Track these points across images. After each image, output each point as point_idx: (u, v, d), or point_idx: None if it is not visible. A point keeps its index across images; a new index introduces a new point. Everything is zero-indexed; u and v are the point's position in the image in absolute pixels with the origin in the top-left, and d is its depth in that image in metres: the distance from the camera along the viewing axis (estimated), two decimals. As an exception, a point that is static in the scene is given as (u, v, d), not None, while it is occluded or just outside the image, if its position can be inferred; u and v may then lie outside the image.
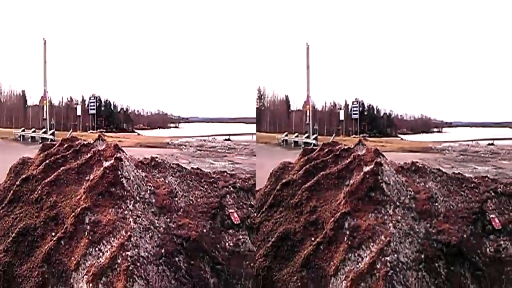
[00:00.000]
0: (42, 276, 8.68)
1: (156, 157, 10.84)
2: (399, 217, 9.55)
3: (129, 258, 8.63)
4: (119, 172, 9.74)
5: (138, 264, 8.69)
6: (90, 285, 8.35)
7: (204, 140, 15.62)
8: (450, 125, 15.85)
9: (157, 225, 9.45)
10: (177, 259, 9.13)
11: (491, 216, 9.83)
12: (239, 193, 10.70)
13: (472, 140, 15.44)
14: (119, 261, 8.56)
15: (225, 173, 11.13)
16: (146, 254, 8.93)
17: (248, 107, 14.90)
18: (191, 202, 10.14)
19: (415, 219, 9.66)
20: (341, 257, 9.09)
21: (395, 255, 9.00)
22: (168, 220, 9.63)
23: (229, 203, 10.39)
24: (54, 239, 8.99)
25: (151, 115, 19.22)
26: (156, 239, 9.22)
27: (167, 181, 10.35)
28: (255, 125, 15.11)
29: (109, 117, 19.15)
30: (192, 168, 10.97)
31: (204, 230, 9.67)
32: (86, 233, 8.92)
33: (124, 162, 9.96)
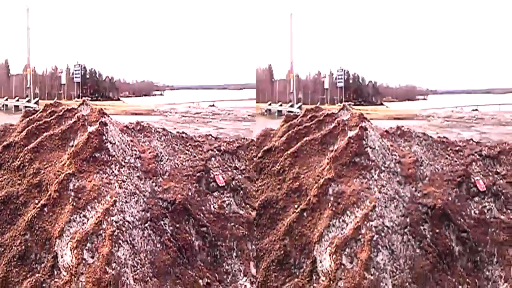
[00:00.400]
0: (25, 244, 8.62)
1: (142, 122, 10.76)
2: (384, 182, 9.57)
3: (114, 223, 8.59)
4: (104, 137, 9.65)
5: (124, 229, 8.67)
6: (75, 251, 8.30)
7: (189, 107, 15.51)
8: (435, 92, 15.83)
9: (143, 189, 9.41)
10: (162, 222, 9.12)
11: (475, 178, 9.89)
12: (224, 155, 10.65)
13: (456, 107, 15.50)
14: (104, 226, 8.51)
15: (210, 137, 11.09)
16: (132, 218, 8.90)
17: (232, 74, 14.84)
18: (176, 165, 10.10)
19: (400, 183, 9.70)
20: (325, 223, 9.06)
21: (380, 220, 9.03)
22: (154, 184, 9.59)
23: (214, 166, 10.35)
24: (38, 206, 8.91)
25: (137, 83, 19.02)
26: (141, 203, 9.19)
27: (152, 145, 10.29)
28: (240, 91, 15.06)
29: (94, 85, 18.94)
30: (178, 132, 10.92)
31: (189, 193, 9.64)
32: (70, 199, 8.85)
33: (109, 127, 9.86)
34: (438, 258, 8.93)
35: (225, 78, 15.35)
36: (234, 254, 9.37)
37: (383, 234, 8.91)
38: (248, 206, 9.95)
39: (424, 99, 16.51)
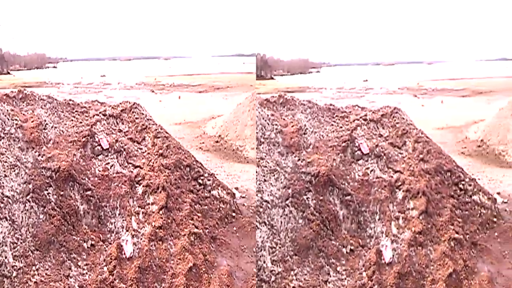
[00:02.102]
0: None
1: (24, 89, 10.30)
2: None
3: (-10, 200, 8.22)
4: (-20, 108, 9.19)
5: (2, 205, 8.30)
6: None
7: (81, 77, 15.13)
8: (328, 65, 16.19)
9: (24, 160, 9.02)
10: (46, 192, 8.80)
11: (359, 142, 10.18)
12: (109, 119, 10.43)
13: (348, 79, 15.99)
14: (-22, 204, 8.13)
15: (96, 102, 10.81)
16: (12, 193, 8.53)
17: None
18: (61, 133, 9.77)
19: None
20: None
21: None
22: (37, 153, 9.22)
23: (99, 130, 10.13)
24: None
25: (28, 55, 18.28)
26: (23, 175, 8.81)
27: (36, 114, 9.88)
28: (133, 61, 14.96)
29: (-20, 58, 18.00)
30: (64, 99, 10.57)
31: (74, 159, 9.37)
32: None
33: (-16, 97, 9.39)
34: (321, 225, 9.12)
35: (115, 50, 15.23)
36: (117, 212, 9.23)
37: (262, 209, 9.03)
38: (130, 165, 9.83)
39: (318, 72, 16.86)
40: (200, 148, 13.11)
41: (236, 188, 10.92)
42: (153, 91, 15.27)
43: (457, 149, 13.08)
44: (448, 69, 17.39)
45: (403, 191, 9.54)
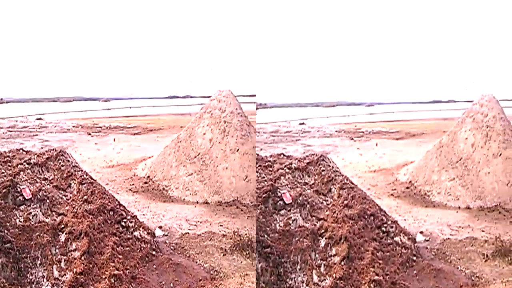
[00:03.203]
0: None
1: None
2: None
3: None
4: None
5: None
6: None
7: (16, 121, 15.01)
8: (264, 106, 16.37)
9: None
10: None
11: (282, 192, 10.28)
12: (33, 168, 10.37)
13: (284, 121, 16.24)
14: None
15: (21, 150, 10.74)
16: None
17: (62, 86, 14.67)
18: (-22, 183, 9.73)
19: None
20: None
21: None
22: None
23: (22, 179, 10.06)
24: None
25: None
26: None
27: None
28: (73, 102, 14.94)
29: None
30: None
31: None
32: None
33: None
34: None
35: (55, 90, 15.20)
36: (39, 262, 9.16)
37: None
38: (54, 213, 9.78)
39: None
40: (130, 189, 13.23)
41: (160, 227, 11.11)
42: (89, 134, 15.29)
43: (387, 191, 13.42)
44: (385, 111, 17.90)
45: (326, 238, 9.70)
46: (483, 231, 11.22)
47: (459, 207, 12.53)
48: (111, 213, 10.17)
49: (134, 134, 16.23)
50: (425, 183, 13.42)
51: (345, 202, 10.27)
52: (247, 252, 10.34)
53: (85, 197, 10.05)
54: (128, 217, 10.37)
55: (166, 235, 10.94)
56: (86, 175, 10.54)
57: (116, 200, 10.58)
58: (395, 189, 13.52)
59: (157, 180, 13.48)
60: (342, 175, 10.83)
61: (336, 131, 16.10)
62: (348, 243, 9.56)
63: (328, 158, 11.11)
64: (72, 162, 10.67)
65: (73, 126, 14.72)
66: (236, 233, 10.98)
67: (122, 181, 13.45)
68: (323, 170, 10.82)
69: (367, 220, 10.22)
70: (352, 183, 10.77)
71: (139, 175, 13.85)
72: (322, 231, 9.83)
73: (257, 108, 14.44)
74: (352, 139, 16.21)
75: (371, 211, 10.37)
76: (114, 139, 15.51)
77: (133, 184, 13.44)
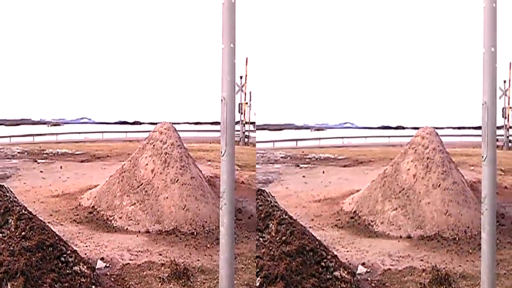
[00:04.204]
0: None
1: None
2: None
3: None
4: None
5: None
6: None
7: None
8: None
9: None
10: None
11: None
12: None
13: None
14: None
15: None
16: None
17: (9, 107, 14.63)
18: None
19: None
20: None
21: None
22: None
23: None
24: None
25: None
26: None
27: None
28: (21, 126, 14.80)
29: None
30: None
31: None
32: None
33: None
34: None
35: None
36: None
37: None
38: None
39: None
40: (74, 220, 13.15)
41: (102, 258, 11.11)
42: (35, 161, 15.17)
43: (331, 221, 13.57)
44: (333, 135, 18.11)
45: (260, 277, 9.78)
46: (421, 260, 11.47)
47: (401, 236, 12.79)
48: (51, 248, 10.09)
49: (82, 161, 16.18)
50: (369, 213, 13.67)
51: (283, 238, 10.37)
52: (183, 281, 10.39)
53: (23, 233, 9.96)
54: (68, 252, 10.28)
55: (107, 267, 10.92)
56: (25, 210, 10.47)
57: (56, 235, 10.51)
58: (339, 219, 13.69)
59: (102, 210, 13.50)
60: (281, 210, 10.98)
61: (281, 158, 16.25)
62: (285, 281, 9.64)
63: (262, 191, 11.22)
64: (10, 197, 10.59)
65: (18, 152, 14.55)
66: (173, 262, 10.99)
67: (66, 211, 13.39)
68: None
69: (306, 256, 10.31)
70: (291, 218, 10.90)
71: (84, 205, 13.83)
72: (257, 270, 9.90)
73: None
74: (298, 165, 16.36)
75: (311, 247, 10.44)
76: (61, 167, 15.46)
77: (77, 215, 13.38)
